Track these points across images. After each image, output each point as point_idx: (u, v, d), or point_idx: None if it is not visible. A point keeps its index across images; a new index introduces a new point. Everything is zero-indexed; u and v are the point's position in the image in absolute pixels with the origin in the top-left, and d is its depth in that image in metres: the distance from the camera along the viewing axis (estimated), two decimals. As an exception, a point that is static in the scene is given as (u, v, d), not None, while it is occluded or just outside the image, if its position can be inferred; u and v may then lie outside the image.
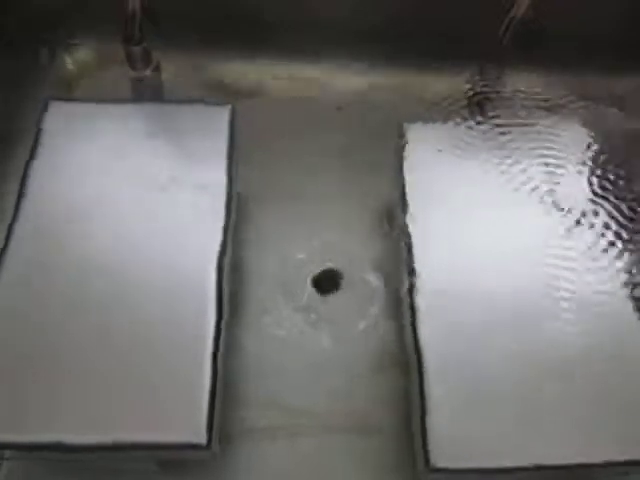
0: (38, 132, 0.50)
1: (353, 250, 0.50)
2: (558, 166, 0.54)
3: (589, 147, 0.55)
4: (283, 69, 0.60)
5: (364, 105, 0.59)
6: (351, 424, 0.44)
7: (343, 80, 0.61)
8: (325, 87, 0.60)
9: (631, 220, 0.51)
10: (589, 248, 0.49)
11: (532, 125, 0.56)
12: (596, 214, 0.51)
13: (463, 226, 0.50)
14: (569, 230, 0.50)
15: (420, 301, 0.46)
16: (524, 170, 0.54)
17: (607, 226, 0.51)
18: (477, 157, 0.54)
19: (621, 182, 0.54)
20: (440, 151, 0.54)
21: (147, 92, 0.57)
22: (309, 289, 0.49)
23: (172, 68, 0.58)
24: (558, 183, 0.53)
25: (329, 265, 0.50)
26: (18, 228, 0.47)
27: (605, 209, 0.52)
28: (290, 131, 0.57)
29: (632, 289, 0.48)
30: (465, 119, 0.57)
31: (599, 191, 0.53)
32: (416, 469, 0.41)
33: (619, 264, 0.49)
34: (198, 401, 0.41)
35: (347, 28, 0.60)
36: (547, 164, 0.54)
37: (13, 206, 0.48)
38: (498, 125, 0.56)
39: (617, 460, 0.40)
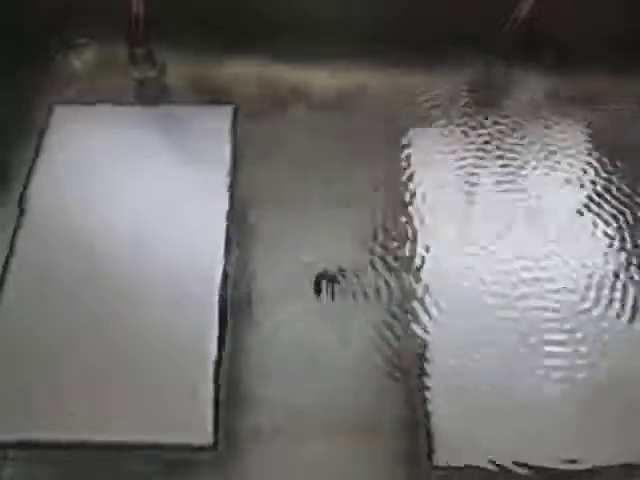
0: (43, 136, 0.51)
1: (356, 252, 0.50)
2: (561, 167, 0.54)
3: (592, 148, 0.56)
4: (285, 70, 0.60)
5: (366, 106, 0.59)
6: (356, 424, 0.44)
7: (344, 81, 0.61)
8: (326, 88, 0.60)
9: (633, 222, 0.52)
10: (590, 251, 0.50)
11: (535, 126, 0.57)
12: (598, 215, 0.52)
13: (465, 225, 0.51)
14: (574, 234, 0.51)
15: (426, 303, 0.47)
16: (526, 170, 0.54)
17: (610, 227, 0.51)
18: (478, 158, 0.55)
19: (624, 183, 0.54)
20: (442, 152, 0.55)
21: (150, 94, 0.57)
22: (312, 291, 0.49)
23: (175, 70, 0.58)
24: (560, 184, 0.53)
25: (333, 267, 0.50)
26: (23, 230, 0.47)
27: (608, 212, 0.52)
28: (291, 132, 0.57)
29: (633, 296, 0.48)
30: (467, 120, 0.57)
31: (603, 192, 0.53)
32: (421, 467, 0.42)
33: (619, 269, 0.49)
34: (203, 402, 0.41)
35: (348, 29, 0.60)
36: (550, 166, 0.54)
37: (17, 209, 0.48)
38: (500, 126, 0.57)
39: (615, 462, 0.41)
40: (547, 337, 0.45)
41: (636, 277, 0.48)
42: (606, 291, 0.47)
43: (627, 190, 0.53)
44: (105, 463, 0.42)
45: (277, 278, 0.49)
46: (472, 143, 0.55)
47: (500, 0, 0.57)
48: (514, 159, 0.54)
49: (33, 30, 0.58)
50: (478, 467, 0.40)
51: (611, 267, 0.49)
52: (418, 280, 0.48)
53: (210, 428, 0.41)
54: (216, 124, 0.53)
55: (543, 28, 0.57)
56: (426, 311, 0.47)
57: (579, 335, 0.45)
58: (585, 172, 0.54)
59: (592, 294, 0.47)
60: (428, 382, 0.43)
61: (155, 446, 0.40)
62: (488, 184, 0.53)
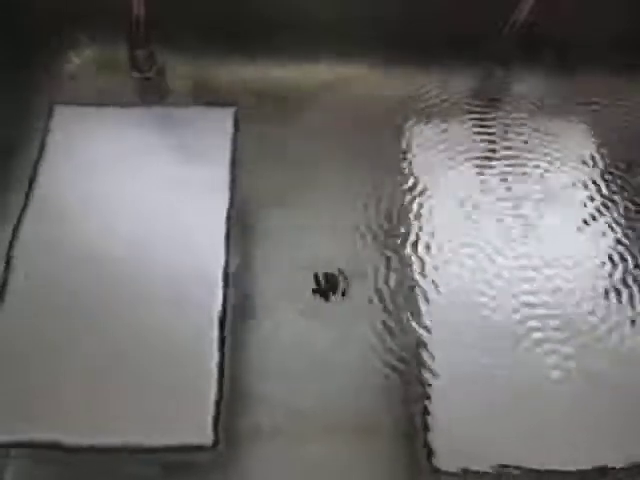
0: (44, 136, 0.51)
1: (357, 253, 0.50)
2: (561, 168, 0.54)
3: (592, 148, 0.56)
4: (285, 71, 0.60)
5: (366, 106, 0.59)
6: (356, 425, 0.44)
7: (345, 81, 0.61)
8: (327, 88, 0.60)
9: (632, 221, 0.52)
10: (591, 252, 0.50)
11: (535, 126, 0.57)
12: (599, 216, 0.52)
13: (465, 225, 0.51)
14: (575, 236, 0.51)
15: (426, 304, 0.47)
16: (526, 171, 0.54)
17: (610, 227, 0.51)
18: (478, 158, 0.55)
19: (624, 183, 0.54)
20: (442, 153, 0.55)
21: (151, 95, 0.57)
22: (312, 292, 0.49)
23: (176, 71, 0.58)
24: (561, 184, 0.53)
25: (333, 268, 0.50)
26: (24, 230, 0.47)
27: (609, 212, 0.52)
28: (292, 132, 0.57)
29: (629, 293, 0.48)
30: (467, 120, 0.57)
31: (604, 192, 0.53)
32: (421, 468, 0.42)
33: (618, 265, 0.49)
34: (204, 402, 0.42)
35: (348, 29, 0.60)
36: (551, 166, 0.54)
37: (19, 209, 0.48)
38: (500, 126, 0.57)
39: (617, 463, 0.41)
40: (548, 340, 0.45)
41: (637, 276, 0.48)
42: (609, 293, 0.47)
43: (627, 189, 0.54)
44: (106, 464, 0.42)
45: (277, 278, 0.49)
46: (472, 143, 0.55)
47: (500, 0, 0.57)
48: (514, 159, 0.55)
49: (33, 30, 0.58)
50: (477, 469, 0.40)
51: (614, 270, 0.49)
52: (418, 280, 0.48)
53: (210, 428, 0.41)
54: (217, 125, 0.53)
55: (543, 28, 0.57)
56: (426, 312, 0.47)
57: (582, 337, 0.45)
58: (586, 172, 0.54)
59: (594, 296, 0.47)
60: (428, 383, 0.43)
61: (155, 446, 0.41)
62: (488, 184, 0.53)
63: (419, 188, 0.53)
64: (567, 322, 0.46)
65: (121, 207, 0.49)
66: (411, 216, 0.51)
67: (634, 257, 0.49)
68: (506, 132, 0.56)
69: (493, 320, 0.46)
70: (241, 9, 0.59)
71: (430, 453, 0.41)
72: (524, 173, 0.54)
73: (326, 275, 0.49)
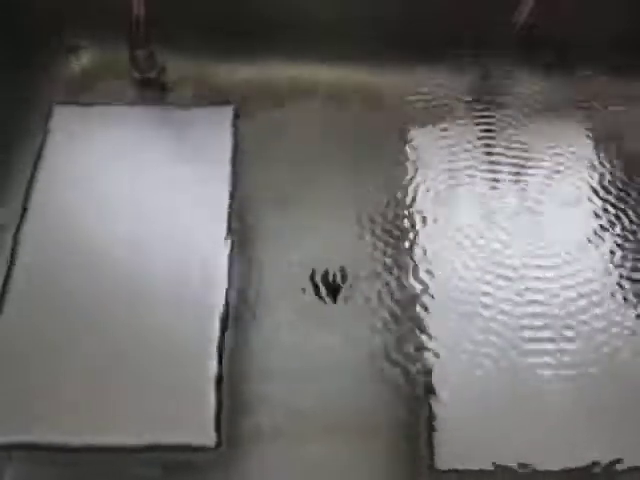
0: (44, 136, 0.51)
1: (357, 253, 0.50)
2: (561, 168, 0.54)
3: (592, 148, 0.56)
4: (284, 71, 0.60)
5: (366, 106, 0.59)
6: (356, 425, 0.44)
7: (344, 81, 0.61)
8: (326, 88, 0.60)
9: (633, 222, 0.52)
10: (590, 252, 0.50)
11: (535, 127, 0.57)
12: (600, 215, 0.52)
13: (465, 225, 0.51)
14: (574, 235, 0.51)
15: (428, 306, 0.47)
16: (526, 171, 0.54)
17: (612, 227, 0.51)
18: (479, 158, 0.55)
19: (624, 183, 0.54)
20: (443, 153, 0.55)
21: (151, 95, 0.57)
22: (313, 292, 0.49)
23: (176, 70, 0.58)
24: (561, 185, 0.53)
25: (333, 268, 0.50)
26: (25, 230, 0.47)
27: (609, 212, 0.52)
28: (291, 132, 0.57)
29: (629, 294, 0.48)
30: (467, 120, 0.57)
31: (603, 192, 0.53)
32: (421, 468, 0.42)
33: (617, 266, 0.49)
34: (205, 402, 0.42)
35: (348, 29, 0.60)
36: (550, 166, 0.54)
37: (19, 209, 0.48)
38: (500, 126, 0.57)
39: (617, 464, 0.41)
40: (549, 341, 0.45)
41: (638, 278, 0.48)
42: (613, 295, 0.47)
43: (627, 190, 0.54)
44: (106, 464, 0.42)
45: (277, 278, 0.49)
46: (473, 143, 0.55)
47: (500, 1, 0.57)
48: (514, 160, 0.55)
49: (33, 30, 0.58)
50: (479, 469, 0.41)
51: (612, 269, 0.49)
52: (419, 281, 0.48)
53: (212, 428, 0.41)
54: (216, 124, 0.53)
55: (543, 29, 0.57)
56: (427, 312, 0.47)
57: (583, 337, 0.45)
58: (585, 172, 0.54)
59: (597, 299, 0.47)
60: (430, 383, 0.43)
61: (158, 447, 0.41)
62: (488, 185, 0.53)
63: (419, 188, 0.53)
64: (568, 324, 0.46)
65: (121, 207, 0.49)
66: (411, 215, 0.51)
67: (635, 258, 0.49)
68: (506, 132, 0.56)
69: (494, 322, 0.46)
70: (241, 9, 0.59)
71: (430, 453, 0.41)
72: (524, 173, 0.54)
73: (326, 275, 0.49)
